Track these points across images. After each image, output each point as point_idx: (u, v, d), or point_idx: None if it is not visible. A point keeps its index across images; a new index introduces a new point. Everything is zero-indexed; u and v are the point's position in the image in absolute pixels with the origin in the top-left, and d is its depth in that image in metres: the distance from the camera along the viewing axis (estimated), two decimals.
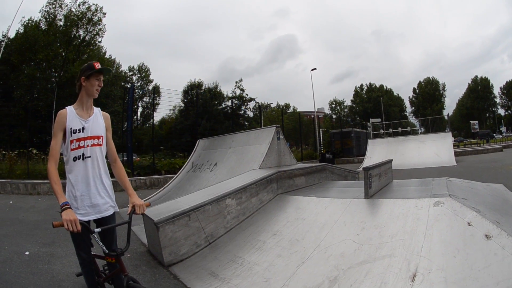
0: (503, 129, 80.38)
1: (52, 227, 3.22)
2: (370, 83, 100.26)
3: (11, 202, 13.11)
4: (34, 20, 35.93)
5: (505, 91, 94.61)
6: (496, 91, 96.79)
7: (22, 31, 34.99)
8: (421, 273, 3.93)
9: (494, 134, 71.94)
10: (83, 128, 3.70)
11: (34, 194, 15.39)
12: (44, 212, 11.07)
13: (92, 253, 3.86)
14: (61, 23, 36.96)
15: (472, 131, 70.25)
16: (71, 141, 3.64)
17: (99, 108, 4.01)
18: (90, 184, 3.70)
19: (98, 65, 3.77)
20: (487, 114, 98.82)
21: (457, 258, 3.94)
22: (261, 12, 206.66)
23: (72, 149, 3.64)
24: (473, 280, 3.58)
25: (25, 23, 35.53)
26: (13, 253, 6.68)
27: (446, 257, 4.03)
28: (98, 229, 3.47)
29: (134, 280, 3.56)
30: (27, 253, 6.74)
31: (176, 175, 15.58)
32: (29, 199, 13.98)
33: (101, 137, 3.85)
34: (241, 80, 50.07)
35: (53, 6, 36.60)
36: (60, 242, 7.44)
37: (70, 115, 3.69)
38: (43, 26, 35.84)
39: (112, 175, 3.97)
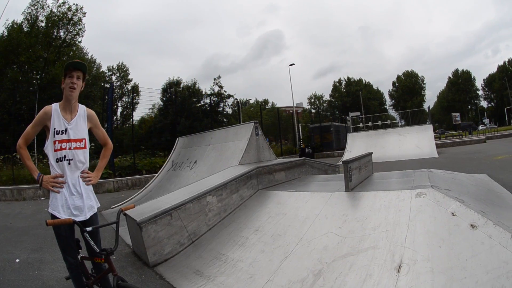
0: (486, 121, 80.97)
1: (46, 226, 3.33)
2: (348, 77, 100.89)
3: None
4: (17, 23, 35.63)
5: (488, 84, 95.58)
6: (479, 83, 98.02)
7: (6, 34, 34.61)
8: (407, 264, 3.91)
9: (480, 126, 72.23)
10: (66, 130, 3.70)
11: (20, 200, 15.29)
12: (31, 218, 11.01)
13: (80, 255, 3.90)
14: (43, 24, 36.71)
15: (454, 123, 70.75)
16: (54, 142, 3.65)
17: (84, 107, 4.00)
18: (72, 186, 3.70)
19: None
20: (469, 107, 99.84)
21: (443, 248, 3.91)
22: (252, 8, 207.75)
23: (55, 150, 3.65)
24: (461, 270, 3.56)
25: (9, 26, 35.20)
26: (5, 261, 6.66)
27: (431, 247, 4.00)
28: (90, 228, 3.49)
29: (123, 280, 3.53)
30: (17, 260, 6.73)
31: (156, 175, 15.55)
32: (15, 205, 13.89)
33: (84, 140, 3.84)
34: (219, 77, 50.57)
35: (35, 7, 36.35)
36: (47, 247, 7.42)
37: (54, 114, 3.70)
38: (25, 28, 35.54)
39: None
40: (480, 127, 67.19)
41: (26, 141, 3.76)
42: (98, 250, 3.47)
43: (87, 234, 3.42)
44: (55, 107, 3.72)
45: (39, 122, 3.69)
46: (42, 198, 15.04)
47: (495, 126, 65.52)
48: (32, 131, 3.74)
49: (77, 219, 3.60)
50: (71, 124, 3.73)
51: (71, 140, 3.69)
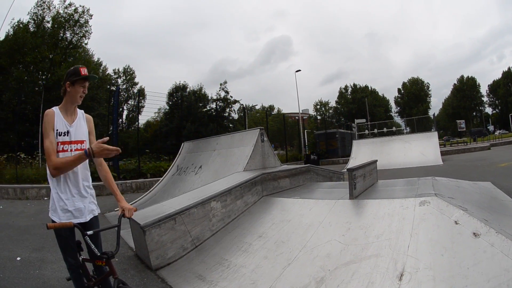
0: (491, 127, 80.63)
1: (46, 229, 3.27)
2: (354, 84, 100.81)
3: (1, 207, 13.08)
4: (23, 22, 35.72)
5: (492, 90, 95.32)
6: (484, 90, 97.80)
7: (11, 33, 34.68)
8: (409, 272, 3.91)
9: (497, 132, 71.89)
10: (67, 132, 3.68)
11: (23, 199, 15.34)
12: (34, 217, 11.04)
13: (82, 257, 3.87)
14: (49, 25, 36.79)
15: (459, 130, 70.52)
16: (57, 143, 3.61)
17: (82, 111, 3.97)
18: (74, 188, 3.68)
19: (84, 71, 3.72)
20: (474, 113, 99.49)
21: (445, 256, 3.92)
22: (260, 14, 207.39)
23: (57, 151, 3.61)
24: (462, 278, 3.56)
25: (15, 25, 35.31)
26: (6, 259, 6.71)
27: (434, 255, 4.01)
28: (91, 232, 3.47)
29: (124, 283, 3.55)
30: (18, 258, 6.77)
31: (161, 179, 15.54)
32: (18, 204, 13.95)
33: (84, 142, 3.82)
34: (225, 82, 50.49)
35: (42, 8, 36.43)
36: (49, 247, 7.42)
37: (57, 116, 3.67)
38: (31, 28, 35.62)
39: (98, 178, 3.96)
40: (497, 133, 67.04)
41: (55, 155, 3.61)
42: (99, 254, 3.48)
43: (87, 238, 3.42)
44: (56, 110, 3.71)
45: (49, 127, 3.60)
46: (45, 198, 15.05)
47: (506, 132, 65.41)
48: (49, 141, 3.56)
49: (78, 221, 3.63)
50: (73, 126, 3.73)
51: (72, 142, 3.69)
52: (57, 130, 3.62)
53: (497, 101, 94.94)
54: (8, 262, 6.51)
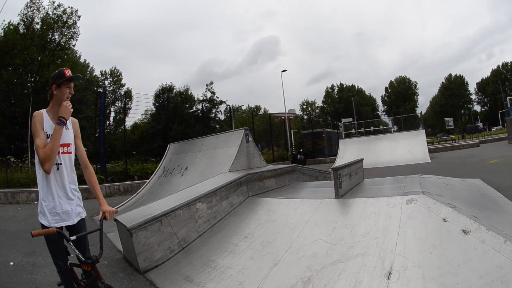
0: (480, 124, 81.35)
1: (31, 237, 3.29)
2: (341, 83, 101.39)
3: None
4: (13, 24, 35.37)
5: (481, 88, 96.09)
6: (472, 88, 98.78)
7: (2, 35, 34.40)
8: (397, 271, 3.88)
9: (494, 128, 72.91)
10: None
11: (14, 203, 15.32)
12: (24, 222, 11.04)
13: (69, 261, 3.84)
14: (38, 26, 36.54)
15: (447, 127, 71.16)
16: (45, 145, 3.56)
17: None
18: (61, 191, 3.68)
19: (68, 72, 3.73)
20: (462, 111, 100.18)
21: (434, 254, 3.89)
22: (249, 14, 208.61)
23: None
24: (453, 276, 3.53)
25: (5, 27, 34.99)
26: (0, 264, 6.73)
27: (422, 254, 3.98)
28: (74, 237, 3.45)
29: (110, 287, 3.57)
30: (11, 263, 6.82)
31: (148, 181, 15.51)
32: (9, 208, 13.96)
33: (71, 145, 3.82)
34: (211, 83, 50.31)
35: (31, 9, 36.18)
36: (40, 251, 7.42)
37: (45, 118, 3.66)
38: (21, 30, 35.35)
39: (84, 182, 3.89)
40: (494, 129, 67.92)
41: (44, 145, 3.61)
42: (83, 259, 3.44)
43: (71, 243, 3.38)
44: (44, 112, 3.69)
45: (40, 126, 3.60)
46: (35, 202, 14.80)
47: (502, 128, 66.12)
48: (40, 140, 3.56)
49: (65, 223, 3.64)
50: None
51: (60, 145, 3.64)
52: (46, 132, 3.61)
53: (485, 99, 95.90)
54: (1, 267, 6.56)
